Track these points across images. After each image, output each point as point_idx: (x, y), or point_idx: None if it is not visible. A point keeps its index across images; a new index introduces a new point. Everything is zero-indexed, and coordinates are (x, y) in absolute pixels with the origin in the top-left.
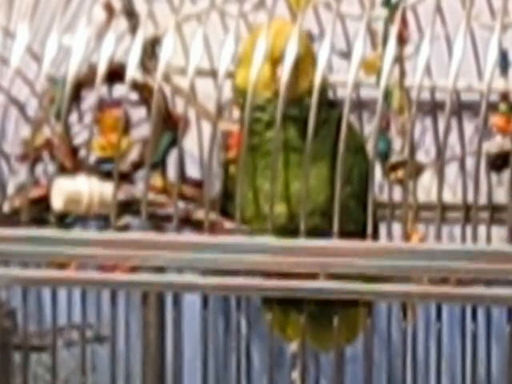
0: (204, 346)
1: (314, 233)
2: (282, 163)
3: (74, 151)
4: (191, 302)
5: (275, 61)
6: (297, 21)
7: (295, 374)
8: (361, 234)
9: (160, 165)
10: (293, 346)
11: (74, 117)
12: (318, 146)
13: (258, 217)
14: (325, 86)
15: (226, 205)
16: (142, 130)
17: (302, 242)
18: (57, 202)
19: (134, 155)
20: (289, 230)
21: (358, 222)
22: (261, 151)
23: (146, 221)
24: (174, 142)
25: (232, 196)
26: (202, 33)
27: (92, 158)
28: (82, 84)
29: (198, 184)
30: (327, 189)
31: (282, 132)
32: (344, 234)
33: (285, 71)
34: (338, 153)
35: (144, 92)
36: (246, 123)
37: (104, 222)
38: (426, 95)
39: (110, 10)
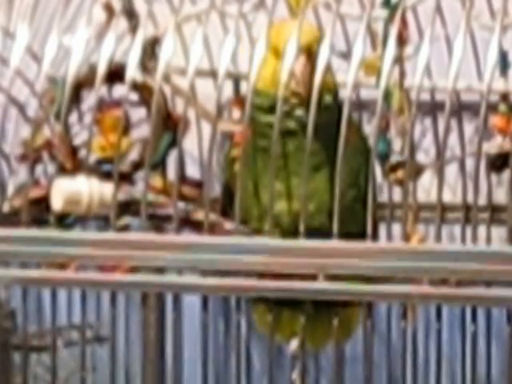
0: (204, 346)
1: (319, 232)
2: (295, 164)
3: (73, 151)
4: (191, 302)
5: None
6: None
7: (295, 375)
8: (364, 235)
9: (160, 165)
10: (292, 346)
11: (73, 117)
12: (329, 148)
13: (265, 216)
14: (336, 89)
15: (228, 202)
16: (142, 131)
17: (301, 242)
18: (57, 203)
19: (133, 155)
20: (294, 229)
21: (362, 223)
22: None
23: (145, 221)
24: (174, 142)
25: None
26: (202, 33)
27: (92, 159)
28: (82, 84)
29: (198, 184)
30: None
31: (296, 136)
32: (348, 235)
33: (284, 69)
34: (346, 155)
35: (144, 92)
36: (256, 124)
37: (104, 222)
38: (425, 96)
39: (109, 10)
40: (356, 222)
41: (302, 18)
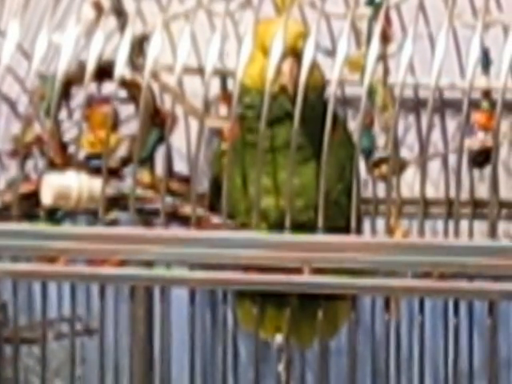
0: (191, 339)
1: (308, 227)
2: (283, 159)
3: (63, 147)
4: (179, 295)
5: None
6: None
7: (281, 367)
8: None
9: (148, 161)
10: (278, 340)
11: (63, 113)
12: (316, 143)
13: (252, 211)
14: (324, 84)
15: (216, 196)
16: (131, 127)
17: (287, 236)
18: (46, 197)
19: (122, 151)
20: (282, 224)
21: (349, 217)
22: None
23: (134, 215)
24: (162, 138)
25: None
26: (190, 31)
27: (81, 154)
28: (72, 81)
29: (186, 179)
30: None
31: (284, 129)
32: (335, 229)
33: (271, 67)
34: (332, 149)
35: (132, 89)
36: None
37: (93, 216)
38: (409, 92)
39: (99, 8)
40: (343, 217)
41: (287, 16)
